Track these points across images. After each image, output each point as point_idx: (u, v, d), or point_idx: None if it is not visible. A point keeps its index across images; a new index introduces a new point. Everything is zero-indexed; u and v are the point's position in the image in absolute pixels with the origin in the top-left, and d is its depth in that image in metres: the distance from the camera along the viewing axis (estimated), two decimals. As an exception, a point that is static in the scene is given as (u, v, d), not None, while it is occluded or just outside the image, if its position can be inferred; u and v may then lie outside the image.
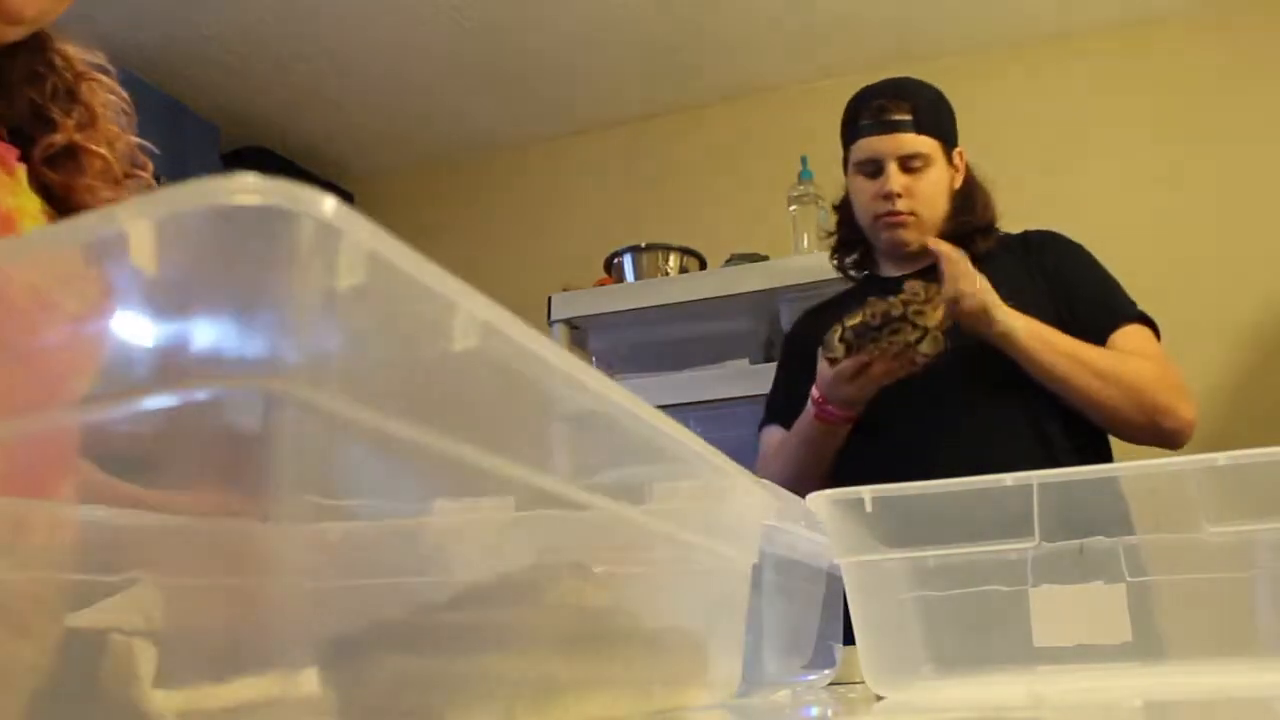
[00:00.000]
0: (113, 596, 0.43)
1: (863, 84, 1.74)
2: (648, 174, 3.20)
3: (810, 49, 2.95)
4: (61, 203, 0.85)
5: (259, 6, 2.67)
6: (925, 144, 1.66)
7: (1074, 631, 0.75)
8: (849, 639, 0.85)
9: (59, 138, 0.86)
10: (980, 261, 1.64)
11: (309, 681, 0.28)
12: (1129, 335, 1.59)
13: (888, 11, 2.78)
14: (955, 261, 1.53)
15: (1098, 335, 1.57)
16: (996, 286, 1.58)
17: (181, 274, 0.28)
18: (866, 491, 0.77)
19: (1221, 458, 0.71)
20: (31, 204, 0.80)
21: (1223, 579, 0.76)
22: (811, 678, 0.97)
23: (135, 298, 0.29)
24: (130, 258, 0.27)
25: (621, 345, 2.56)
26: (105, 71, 0.93)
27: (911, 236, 1.67)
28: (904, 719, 0.70)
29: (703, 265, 2.66)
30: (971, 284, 1.50)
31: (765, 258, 2.53)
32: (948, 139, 1.70)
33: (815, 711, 0.82)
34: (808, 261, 2.40)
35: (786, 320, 2.44)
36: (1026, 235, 1.73)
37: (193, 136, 2.90)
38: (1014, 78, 2.86)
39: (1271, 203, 2.63)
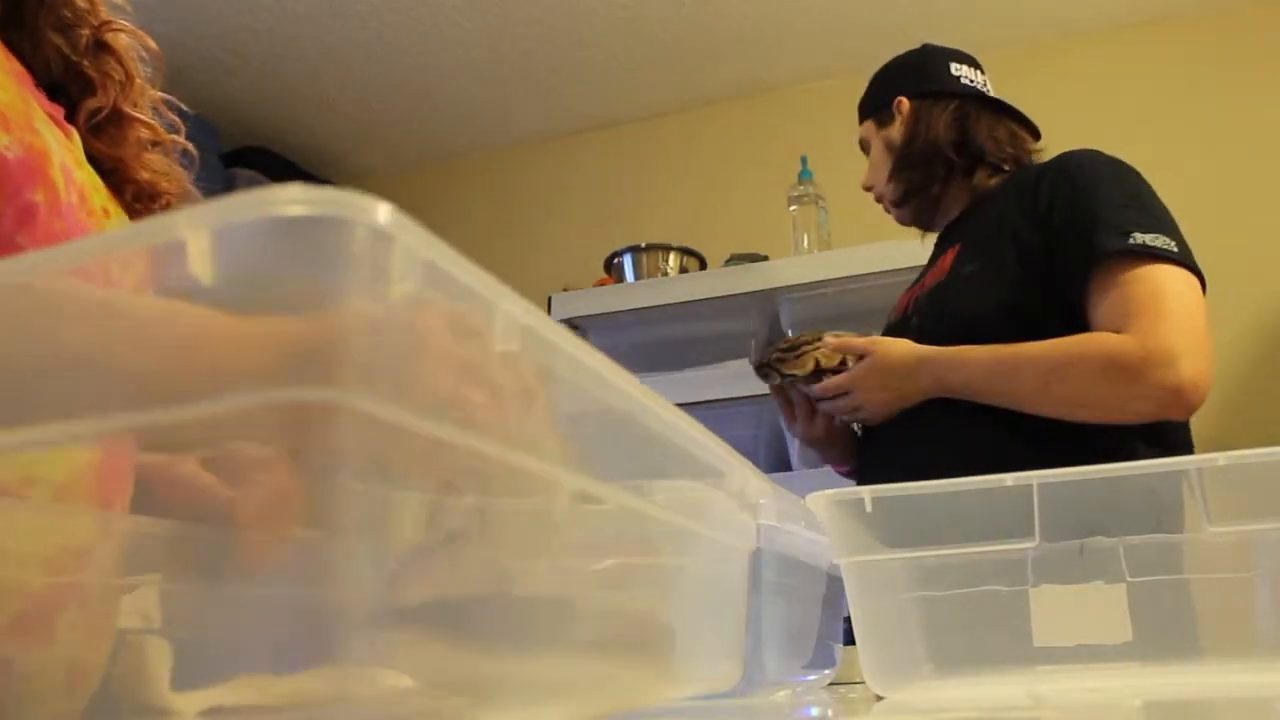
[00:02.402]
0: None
1: (864, 84, 1.74)
2: (648, 174, 3.20)
3: (810, 49, 2.95)
4: (110, 175, 0.81)
5: (259, 6, 2.67)
6: (861, 131, 1.71)
7: (1074, 631, 0.75)
8: (849, 639, 0.85)
9: (103, 103, 0.81)
10: (985, 200, 1.53)
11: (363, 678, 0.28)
12: (1104, 286, 1.28)
13: (888, 12, 2.78)
14: (842, 386, 1.45)
15: (1072, 287, 1.32)
16: (980, 227, 1.48)
17: (238, 283, 0.28)
18: (866, 491, 0.77)
19: (1221, 458, 0.71)
20: (91, 176, 0.78)
21: (1223, 579, 0.76)
22: (811, 678, 0.97)
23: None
24: (189, 267, 0.27)
25: (621, 345, 2.56)
26: (121, 10, 0.88)
27: (894, 214, 1.69)
28: (904, 719, 0.70)
29: (703, 265, 2.66)
30: (858, 399, 1.44)
31: (765, 258, 2.53)
32: (876, 108, 1.67)
33: (815, 711, 0.82)
34: (808, 261, 2.40)
35: (786, 320, 2.44)
36: (1042, 166, 1.47)
37: (192, 136, 2.90)
38: (1014, 77, 2.85)
39: (1272, 203, 2.63)
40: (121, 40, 0.86)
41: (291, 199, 0.27)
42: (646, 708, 0.52)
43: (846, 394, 1.44)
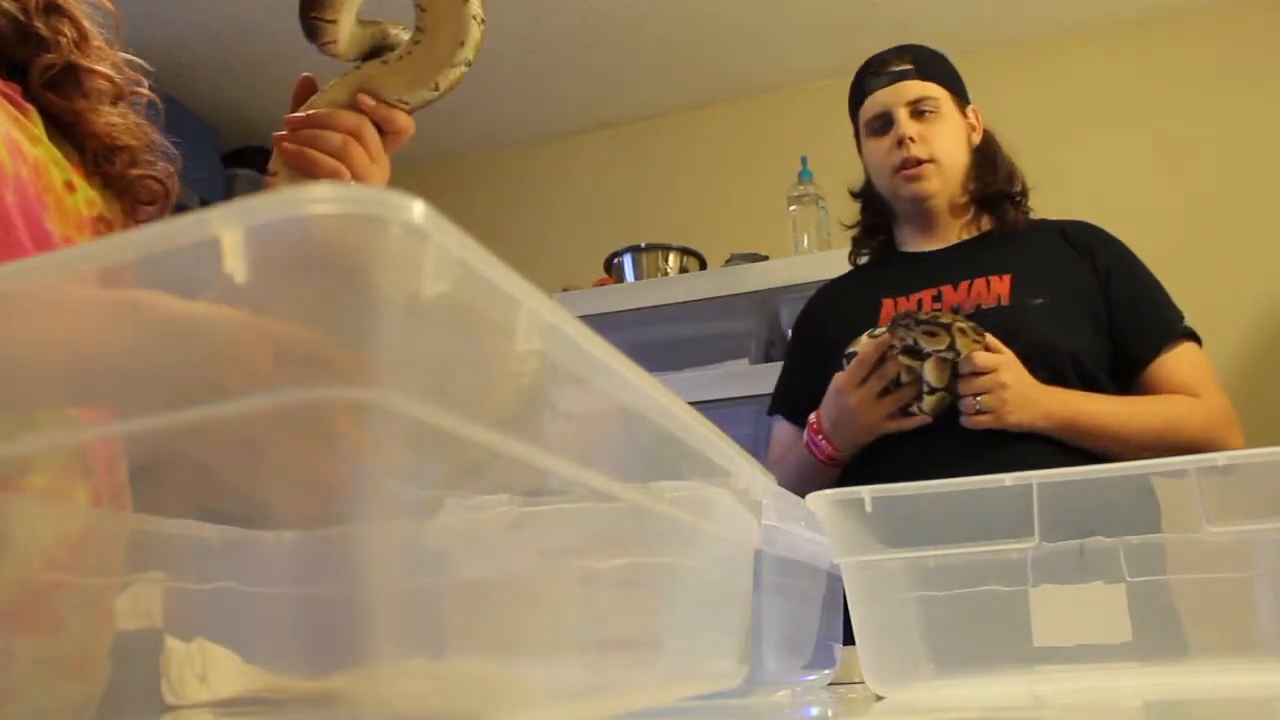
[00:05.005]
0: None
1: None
2: (648, 174, 3.20)
3: (811, 49, 2.95)
4: (70, 130, 0.81)
5: (259, 6, 2.67)
6: (932, 89, 1.61)
7: (1074, 631, 0.75)
8: (849, 639, 0.85)
9: (55, 58, 0.80)
10: (1013, 238, 1.60)
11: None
12: (1177, 359, 1.52)
13: (888, 11, 2.78)
14: (995, 364, 1.42)
15: (1143, 353, 1.52)
16: (1031, 264, 1.55)
17: (272, 281, 0.28)
18: (866, 491, 0.77)
19: (1221, 458, 0.71)
20: (50, 151, 0.77)
21: (1223, 579, 0.77)
22: (811, 678, 0.97)
23: (226, 305, 0.29)
24: (224, 264, 0.27)
25: (621, 345, 2.54)
26: None
27: (934, 187, 1.60)
28: (904, 719, 0.70)
29: (703, 265, 2.66)
30: (1003, 379, 1.41)
31: (765, 258, 2.53)
32: (956, 90, 1.65)
33: (815, 711, 0.83)
34: (808, 261, 2.40)
35: (786, 320, 2.44)
36: (1064, 225, 1.64)
37: (192, 137, 2.90)
38: (1014, 78, 2.86)
39: (1271, 203, 2.63)
40: (75, 5, 0.85)
41: (325, 197, 0.27)
42: (649, 707, 0.52)
43: (988, 374, 1.40)
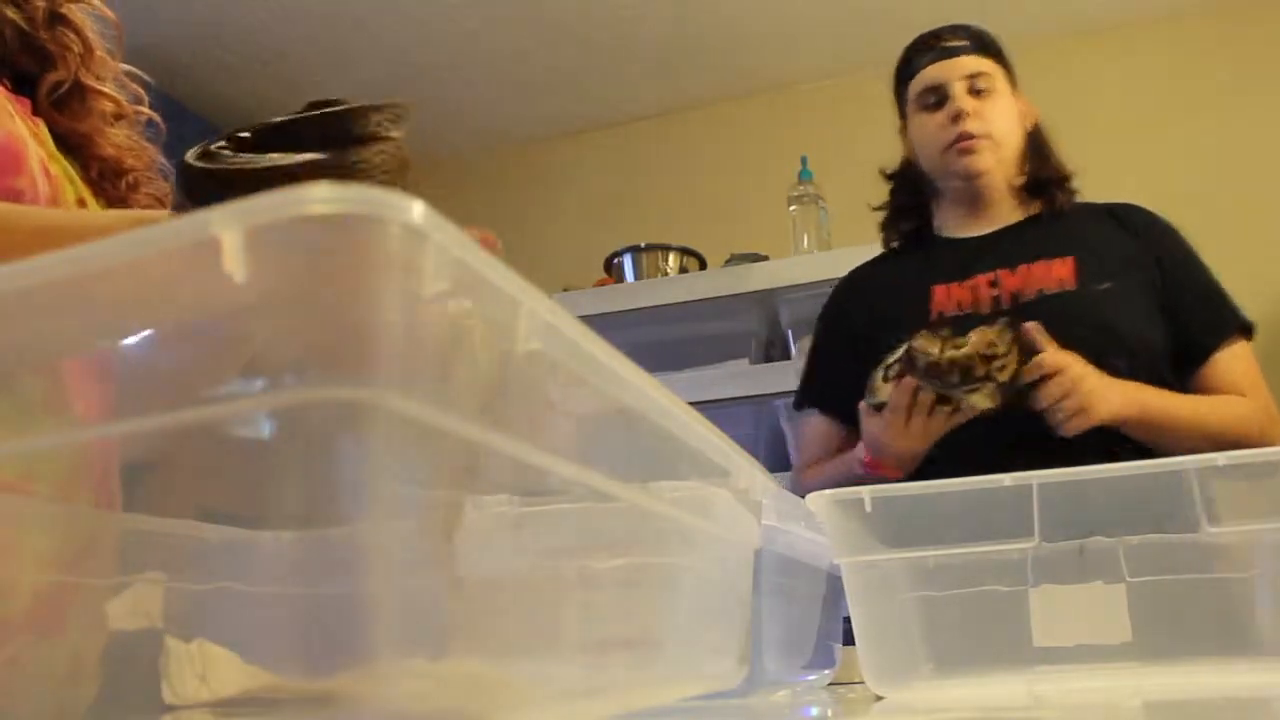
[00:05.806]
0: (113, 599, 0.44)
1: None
2: (648, 174, 3.20)
3: (810, 49, 2.95)
4: (75, 151, 0.80)
5: (258, 6, 2.67)
6: (988, 65, 1.56)
7: (1074, 631, 0.75)
8: (849, 639, 0.85)
9: (64, 76, 0.80)
10: (1061, 220, 1.54)
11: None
12: (1234, 355, 1.48)
13: (889, 12, 2.78)
14: (1058, 364, 1.32)
15: (1201, 346, 1.47)
16: (1093, 248, 1.49)
17: (271, 281, 0.28)
18: (866, 491, 0.77)
19: (1221, 458, 0.71)
20: (64, 167, 0.77)
21: (1223, 579, 0.77)
22: (811, 678, 0.97)
23: (225, 305, 0.29)
24: (223, 265, 0.27)
25: (621, 345, 2.54)
26: None
27: (989, 163, 1.52)
28: (904, 719, 0.70)
29: (703, 265, 2.66)
30: (1076, 374, 1.32)
31: (765, 258, 2.53)
32: (1010, 71, 1.60)
33: (815, 711, 0.83)
34: (808, 261, 2.40)
35: (787, 320, 2.44)
36: (1111, 208, 1.58)
37: (192, 137, 2.90)
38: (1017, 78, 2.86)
39: (1273, 202, 2.63)
40: (78, 11, 0.84)
41: (325, 197, 0.27)
42: (649, 707, 0.52)
43: (1055, 376, 1.30)
